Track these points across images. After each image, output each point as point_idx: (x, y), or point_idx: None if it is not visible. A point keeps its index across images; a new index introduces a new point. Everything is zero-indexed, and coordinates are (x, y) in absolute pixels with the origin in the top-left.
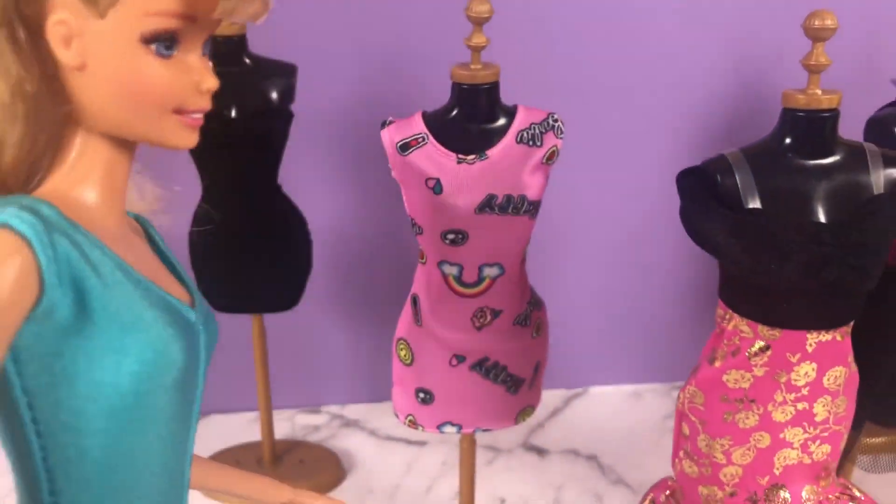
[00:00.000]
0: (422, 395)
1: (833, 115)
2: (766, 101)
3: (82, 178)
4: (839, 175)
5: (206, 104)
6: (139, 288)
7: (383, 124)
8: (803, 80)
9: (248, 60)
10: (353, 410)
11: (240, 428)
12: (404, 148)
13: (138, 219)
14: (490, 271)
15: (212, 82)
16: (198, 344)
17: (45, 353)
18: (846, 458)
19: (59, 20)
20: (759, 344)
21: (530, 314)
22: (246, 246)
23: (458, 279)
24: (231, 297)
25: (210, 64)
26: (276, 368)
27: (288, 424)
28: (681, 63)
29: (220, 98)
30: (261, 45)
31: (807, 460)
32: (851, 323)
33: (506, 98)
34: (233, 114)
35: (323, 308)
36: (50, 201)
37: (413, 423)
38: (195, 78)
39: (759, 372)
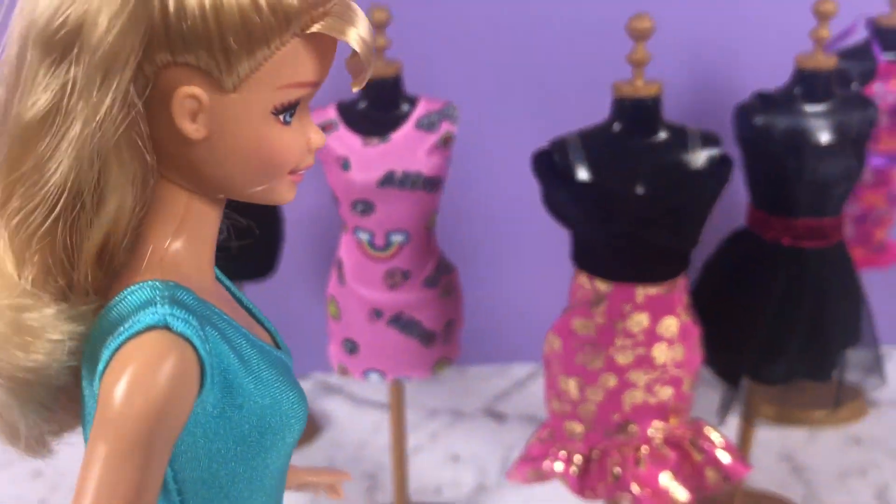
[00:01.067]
0: (349, 345)
1: (655, 101)
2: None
3: (186, 245)
4: (662, 153)
5: (312, 162)
6: (256, 350)
7: None
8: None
9: None
10: (338, 378)
11: None
12: None
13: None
14: (397, 238)
15: (320, 140)
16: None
17: (194, 434)
18: (726, 413)
19: (188, 94)
20: (597, 295)
21: (439, 277)
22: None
23: (371, 244)
24: None
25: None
26: None
27: None
28: None
29: None
30: None
31: (652, 400)
32: (679, 279)
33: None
34: None
35: (311, 280)
36: (172, 279)
37: (344, 371)
38: (308, 138)
39: (600, 320)
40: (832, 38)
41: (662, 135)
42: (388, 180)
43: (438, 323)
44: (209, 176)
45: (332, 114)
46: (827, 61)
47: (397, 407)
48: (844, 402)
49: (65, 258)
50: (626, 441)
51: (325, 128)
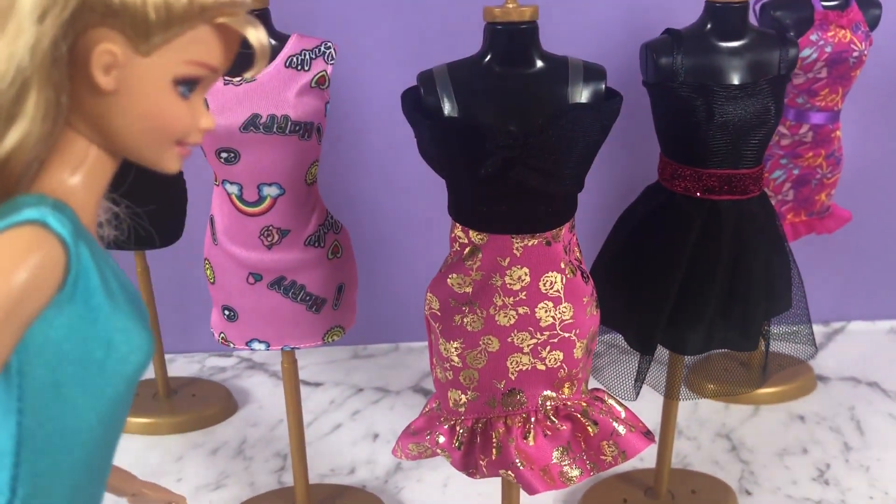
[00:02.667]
0: (227, 312)
1: (530, 26)
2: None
3: (81, 187)
4: (538, 85)
5: (200, 139)
6: (125, 292)
7: None
8: None
9: None
10: (261, 355)
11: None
12: None
13: None
14: (270, 190)
15: (210, 123)
16: None
17: (40, 336)
18: (640, 385)
19: (107, 50)
20: (471, 248)
21: (324, 236)
22: (118, 183)
23: (241, 198)
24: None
25: (207, 105)
26: (193, 314)
27: (197, 366)
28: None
29: None
30: None
31: (540, 366)
32: (560, 230)
33: None
34: None
35: None
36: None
37: (225, 340)
38: (198, 117)
39: (476, 276)
40: None
41: (539, 65)
42: (251, 124)
43: (327, 287)
44: (109, 129)
45: None
46: None
47: (290, 381)
48: (790, 377)
49: None
50: (513, 411)
51: None
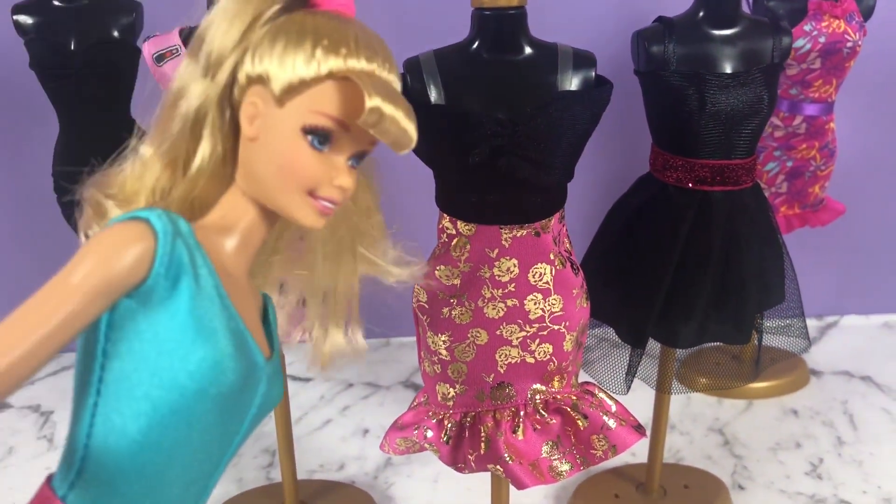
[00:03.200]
0: None
1: (519, 11)
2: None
3: (226, 226)
4: (526, 72)
5: (336, 195)
6: (225, 311)
7: (145, 39)
8: None
9: None
10: None
11: None
12: (160, 59)
13: (264, 296)
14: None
15: (346, 182)
16: (256, 386)
17: (132, 328)
18: (632, 378)
19: (252, 102)
20: (459, 239)
21: None
22: None
23: None
24: None
25: (355, 173)
26: None
27: None
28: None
29: (60, 30)
30: None
31: (529, 359)
32: (550, 221)
33: None
34: (72, 46)
35: None
36: (192, 226)
37: None
38: (333, 173)
39: (464, 268)
40: None
41: (528, 52)
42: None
43: None
44: (253, 175)
45: (175, 39)
46: None
47: None
48: (784, 371)
49: (160, 193)
50: (502, 405)
51: (166, 55)
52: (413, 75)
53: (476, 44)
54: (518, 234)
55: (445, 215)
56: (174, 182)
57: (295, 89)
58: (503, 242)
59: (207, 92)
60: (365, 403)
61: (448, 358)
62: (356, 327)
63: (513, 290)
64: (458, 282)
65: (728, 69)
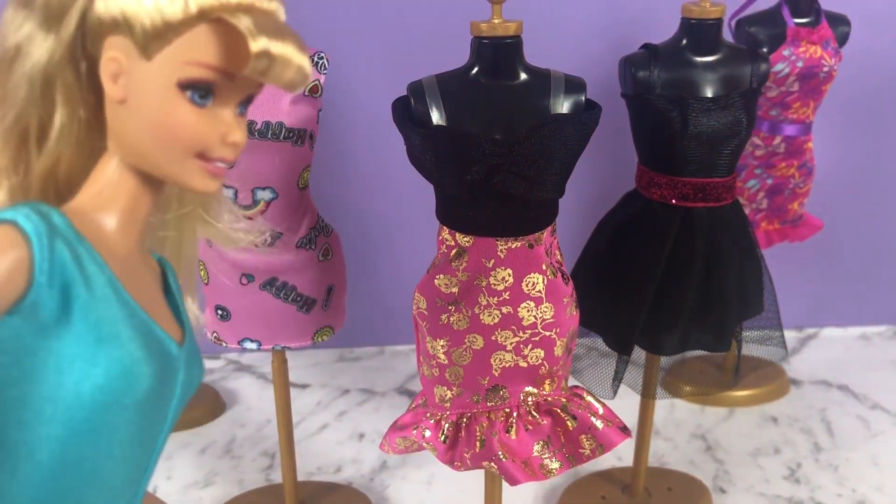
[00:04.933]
0: (220, 311)
1: (515, 41)
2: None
3: (105, 204)
4: (522, 96)
5: (229, 154)
6: (125, 307)
7: None
8: None
9: None
10: (249, 357)
11: None
12: None
13: (161, 261)
14: (263, 194)
15: (238, 136)
16: (174, 378)
17: (21, 347)
18: (618, 384)
19: (112, 58)
20: (457, 250)
21: (315, 238)
22: None
23: (235, 201)
24: None
25: (244, 122)
26: None
27: None
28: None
29: None
30: None
31: (522, 363)
32: (542, 234)
33: None
34: None
35: None
36: (66, 214)
37: (218, 340)
38: (223, 129)
39: (462, 276)
40: (743, 2)
41: (523, 77)
42: (247, 130)
43: (318, 288)
44: (126, 142)
45: None
46: (714, 11)
47: (280, 379)
48: (765, 380)
49: (15, 170)
50: (496, 406)
51: None
52: (417, 97)
53: (475, 69)
54: (513, 246)
55: (445, 228)
56: (29, 159)
57: (162, 37)
58: (499, 253)
59: (53, 49)
60: (360, 409)
61: (446, 362)
62: (193, 294)
63: (507, 298)
64: (457, 290)
65: (709, 93)
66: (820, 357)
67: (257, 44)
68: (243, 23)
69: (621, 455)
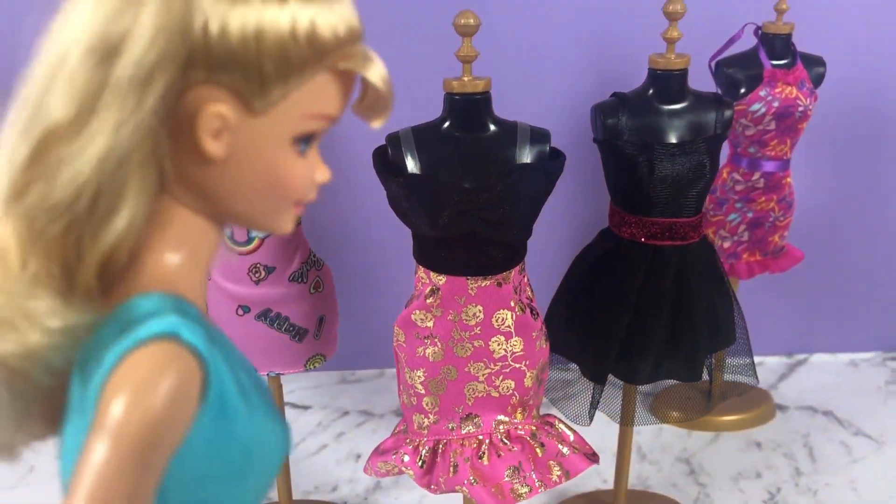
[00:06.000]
0: None
1: (484, 97)
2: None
3: (186, 264)
4: (490, 147)
5: (314, 196)
6: (255, 385)
7: None
8: None
9: None
10: None
11: None
12: None
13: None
14: (258, 232)
15: (327, 175)
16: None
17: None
18: (593, 412)
19: (217, 113)
20: (431, 288)
21: (307, 272)
22: None
23: (231, 238)
24: None
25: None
26: None
27: None
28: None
29: None
30: None
31: (494, 393)
32: (510, 273)
33: None
34: None
35: None
36: (162, 291)
37: None
38: (315, 172)
39: (436, 312)
40: (722, 44)
41: (492, 129)
42: None
43: (309, 319)
44: (219, 198)
45: None
46: (678, 62)
47: (276, 402)
48: (751, 406)
49: (70, 259)
50: (470, 434)
51: None
52: (394, 147)
53: (447, 123)
54: (482, 285)
55: (420, 267)
56: (85, 241)
57: (285, 94)
58: (469, 291)
59: (135, 122)
60: (359, 430)
61: (423, 391)
62: None
63: (479, 332)
64: (431, 324)
65: (674, 139)
66: (808, 383)
67: (375, 72)
68: (375, 73)
69: (606, 478)
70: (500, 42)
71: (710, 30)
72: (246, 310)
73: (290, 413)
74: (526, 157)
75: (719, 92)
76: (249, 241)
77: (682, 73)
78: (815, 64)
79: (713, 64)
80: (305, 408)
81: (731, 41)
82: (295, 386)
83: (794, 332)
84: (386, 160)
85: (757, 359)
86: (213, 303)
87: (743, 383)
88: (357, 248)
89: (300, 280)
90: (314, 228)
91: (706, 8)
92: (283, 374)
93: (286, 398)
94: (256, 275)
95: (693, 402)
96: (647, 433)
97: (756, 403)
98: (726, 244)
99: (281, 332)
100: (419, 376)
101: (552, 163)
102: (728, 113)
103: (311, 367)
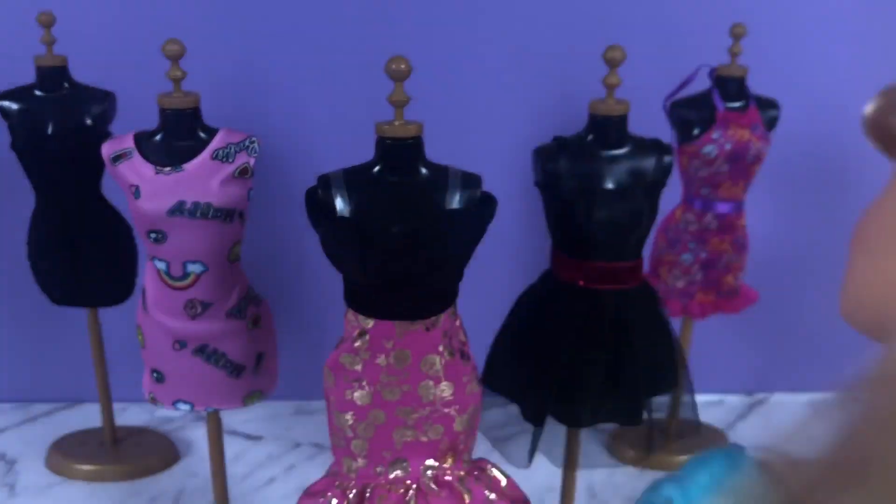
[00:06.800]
0: (155, 374)
1: (416, 141)
2: None
3: None
4: (420, 191)
5: None
6: None
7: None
8: None
9: (66, 85)
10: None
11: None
12: (115, 159)
13: None
14: (194, 267)
15: None
16: None
17: None
18: (532, 454)
19: None
20: (360, 331)
21: (245, 308)
22: (75, 246)
23: (167, 273)
24: (64, 291)
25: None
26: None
27: (148, 416)
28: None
29: (40, 118)
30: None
31: (423, 438)
32: (439, 318)
33: None
34: (49, 131)
35: None
36: None
37: (154, 400)
38: None
39: (364, 355)
40: (676, 86)
41: (423, 174)
42: (177, 209)
43: (247, 355)
44: None
45: (129, 142)
46: (618, 108)
47: (214, 436)
48: (706, 446)
49: None
50: (397, 479)
51: (121, 156)
52: (323, 188)
53: (379, 164)
54: (410, 329)
55: (350, 310)
56: None
57: None
58: (397, 336)
59: None
60: (310, 463)
61: (351, 434)
62: None
63: (407, 376)
64: (360, 367)
65: (612, 185)
66: (766, 422)
67: None
68: None
69: None
70: (446, 85)
71: (667, 71)
72: (183, 345)
73: (241, 444)
74: (456, 202)
75: (674, 132)
76: (185, 275)
77: (622, 119)
78: (768, 107)
79: (668, 104)
80: (258, 438)
81: (685, 82)
82: (249, 416)
83: (756, 370)
84: (316, 201)
85: (717, 397)
86: (150, 336)
87: (700, 422)
88: (311, 279)
89: (238, 316)
90: (263, 262)
91: (662, 50)
92: (220, 409)
93: (238, 427)
94: (192, 310)
95: (650, 440)
96: (600, 472)
97: (710, 443)
98: (680, 284)
99: (218, 368)
100: (347, 419)
101: (483, 208)
102: (667, 159)
103: (250, 403)
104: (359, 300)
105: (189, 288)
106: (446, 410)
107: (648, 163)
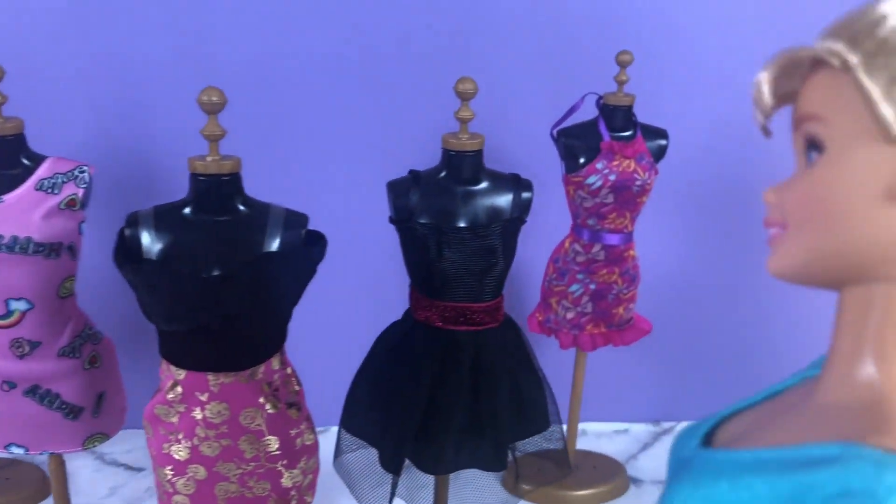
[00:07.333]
0: None
1: (232, 178)
2: None
3: None
4: (236, 231)
5: None
6: None
7: None
8: None
9: None
10: None
11: None
12: None
13: None
14: (18, 304)
15: None
16: None
17: None
18: (391, 500)
19: None
20: (172, 382)
21: (80, 347)
22: None
23: None
24: None
25: None
26: None
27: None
28: None
29: None
30: None
31: (248, 494)
32: (260, 368)
33: None
34: None
35: None
36: None
37: None
38: None
39: (179, 408)
40: (563, 113)
41: (240, 212)
42: None
43: (85, 396)
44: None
45: None
46: (471, 143)
47: (57, 479)
48: (605, 479)
49: None
50: None
51: None
52: (131, 227)
53: (190, 202)
54: (225, 381)
55: (162, 357)
56: None
57: None
58: (212, 388)
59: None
60: None
61: (171, 490)
62: None
63: (225, 431)
64: (176, 420)
65: (465, 223)
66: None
67: None
68: None
69: None
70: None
71: (555, 99)
72: (12, 385)
73: (121, 475)
74: (276, 242)
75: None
76: (9, 313)
77: (477, 155)
78: (656, 136)
79: (555, 132)
80: (139, 469)
81: (571, 111)
82: (131, 445)
83: (662, 400)
84: (122, 241)
85: (622, 426)
86: None
87: (600, 455)
88: None
89: (72, 355)
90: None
91: (551, 76)
92: (60, 452)
93: (121, 458)
94: (19, 349)
95: (545, 472)
96: None
97: (610, 476)
98: (570, 315)
99: (52, 410)
100: (167, 474)
101: (306, 248)
102: (526, 195)
103: (91, 446)
104: (169, 349)
105: (13, 326)
106: (272, 465)
107: (505, 199)
